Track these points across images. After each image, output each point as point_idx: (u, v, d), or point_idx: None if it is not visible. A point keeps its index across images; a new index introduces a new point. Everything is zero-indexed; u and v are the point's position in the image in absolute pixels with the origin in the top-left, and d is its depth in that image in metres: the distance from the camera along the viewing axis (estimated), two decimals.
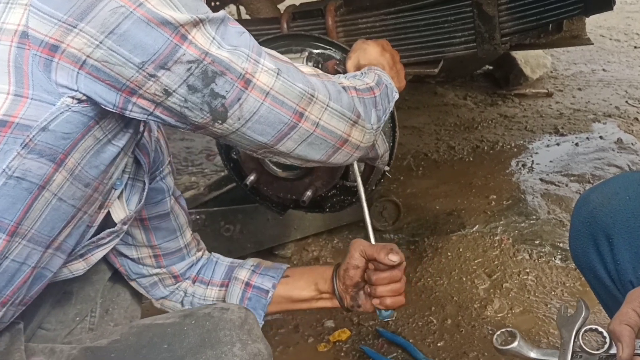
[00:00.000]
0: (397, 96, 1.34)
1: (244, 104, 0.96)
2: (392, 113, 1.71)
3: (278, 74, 0.99)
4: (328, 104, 1.07)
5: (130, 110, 0.93)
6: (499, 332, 1.02)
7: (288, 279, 1.39)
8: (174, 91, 0.92)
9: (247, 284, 1.37)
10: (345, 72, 1.56)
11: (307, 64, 1.61)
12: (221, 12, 0.97)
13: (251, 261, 1.42)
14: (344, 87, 1.14)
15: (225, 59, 0.93)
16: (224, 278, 1.39)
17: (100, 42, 0.86)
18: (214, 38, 0.93)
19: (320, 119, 1.06)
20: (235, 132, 0.99)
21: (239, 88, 0.95)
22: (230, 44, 0.95)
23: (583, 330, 0.94)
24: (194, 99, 0.93)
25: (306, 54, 1.64)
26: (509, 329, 1.02)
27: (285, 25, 1.88)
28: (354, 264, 1.33)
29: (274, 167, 1.67)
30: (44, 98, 0.89)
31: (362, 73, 1.30)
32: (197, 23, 0.91)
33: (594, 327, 0.94)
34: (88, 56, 0.87)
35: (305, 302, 1.39)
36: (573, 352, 0.94)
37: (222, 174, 2.71)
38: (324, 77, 1.12)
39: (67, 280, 1.15)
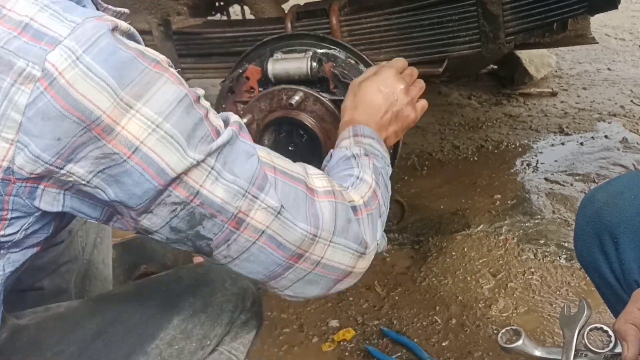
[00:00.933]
0: (390, 170, 1.24)
1: (232, 244, 0.88)
2: None
3: (279, 212, 0.88)
4: (332, 240, 0.95)
5: (114, 222, 0.89)
6: (503, 330, 1.02)
7: None
8: (155, 231, 0.86)
9: None
10: (342, 75, 1.56)
11: (311, 63, 1.61)
12: (229, 132, 0.86)
13: None
14: (354, 207, 1.00)
15: (217, 200, 0.84)
16: None
17: (88, 182, 0.81)
18: (212, 168, 0.84)
19: (322, 257, 0.95)
20: (221, 266, 0.93)
21: (229, 229, 0.86)
22: (231, 173, 0.85)
23: (588, 329, 0.94)
24: (177, 238, 0.87)
25: (310, 53, 1.65)
26: (513, 327, 1.02)
27: (289, 25, 1.88)
28: None
29: None
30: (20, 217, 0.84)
31: (358, 163, 1.14)
32: (193, 162, 0.82)
33: (599, 325, 0.94)
34: (69, 189, 0.83)
35: None
36: (576, 351, 0.94)
37: None
38: (338, 197, 0.98)
39: (36, 276, 1.15)
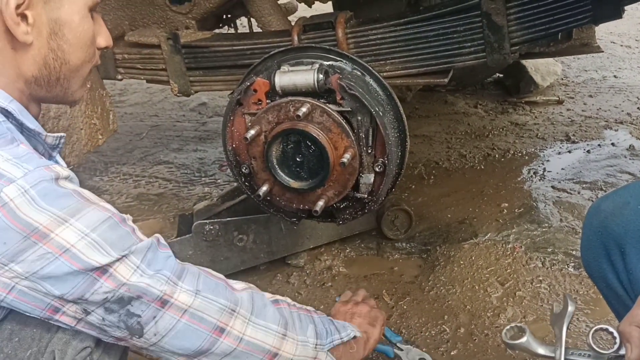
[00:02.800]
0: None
1: (159, 321, 1.06)
2: (402, 121, 1.73)
3: (197, 293, 1.10)
4: (250, 318, 1.15)
5: (56, 320, 1.04)
6: (508, 327, 1.03)
7: None
8: (92, 311, 1.03)
9: None
10: (349, 87, 1.58)
11: (318, 75, 1.63)
12: (148, 241, 1.09)
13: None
14: (274, 300, 1.23)
15: (142, 285, 1.04)
16: None
17: (26, 278, 0.98)
18: (138, 267, 1.05)
19: (244, 333, 1.14)
20: (154, 345, 1.08)
21: (155, 307, 1.06)
22: (154, 269, 1.07)
23: (594, 329, 0.95)
24: (111, 318, 1.05)
25: (317, 65, 1.66)
26: (518, 324, 1.03)
27: (296, 38, 1.90)
28: None
29: (286, 178, 1.69)
30: None
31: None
32: (120, 259, 1.03)
33: (604, 327, 0.94)
34: (17, 284, 0.99)
35: None
36: (566, 348, 0.95)
37: (235, 184, 2.73)
38: (255, 289, 1.22)
39: None
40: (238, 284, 1.22)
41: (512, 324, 1.04)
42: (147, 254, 1.07)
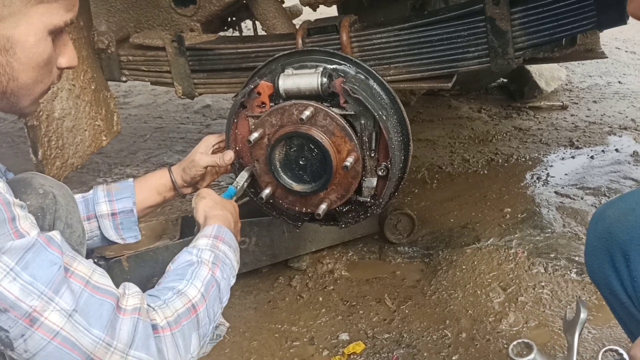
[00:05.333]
0: (233, 282, 1.35)
1: (28, 340, 0.97)
2: (405, 125, 1.73)
3: (71, 315, 0.98)
4: (129, 353, 1.04)
5: None
6: (514, 343, 1.02)
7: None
8: None
9: (113, 214, 1.55)
10: (352, 90, 1.59)
11: (321, 79, 1.64)
12: (28, 239, 0.97)
13: (100, 192, 1.56)
14: (154, 326, 1.09)
15: (11, 297, 0.94)
16: (87, 212, 1.54)
17: None
18: (11, 269, 0.94)
19: None
20: None
21: (23, 325, 0.96)
22: (30, 275, 0.95)
23: (603, 350, 0.94)
24: None
25: (321, 69, 1.67)
26: (525, 341, 1.01)
27: (300, 41, 1.90)
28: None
29: (289, 181, 1.69)
30: None
31: (193, 273, 1.24)
32: None
33: (614, 348, 0.93)
34: None
35: (153, 207, 1.67)
36: (578, 352, 0.94)
37: None
38: (143, 314, 1.08)
39: None
40: (132, 299, 1.09)
41: (519, 341, 1.02)
42: (25, 254, 0.95)
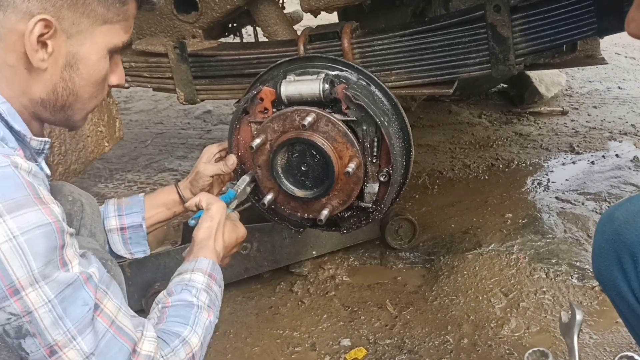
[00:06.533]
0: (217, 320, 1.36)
1: None
2: (407, 131, 1.74)
3: (87, 357, 1.02)
4: None
5: None
6: (530, 351, 1.01)
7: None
8: None
9: (122, 229, 1.55)
10: (354, 97, 1.58)
11: (323, 85, 1.64)
12: (71, 275, 1.02)
13: (111, 206, 1.56)
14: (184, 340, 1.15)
15: (41, 325, 0.99)
16: None
17: None
18: (49, 300, 0.99)
19: None
20: None
21: (43, 354, 1.01)
22: (63, 309, 1.00)
23: (618, 356, 0.94)
24: (8, 340, 1.01)
25: (323, 75, 1.67)
26: (540, 349, 1.01)
27: (302, 48, 1.91)
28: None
29: (291, 187, 1.70)
30: None
31: (195, 319, 1.25)
32: (34, 282, 0.97)
33: (629, 354, 0.93)
34: None
35: (163, 222, 1.65)
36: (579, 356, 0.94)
37: None
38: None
39: None
40: (148, 344, 1.11)
41: (535, 349, 1.01)
42: (65, 290, 1.00)
